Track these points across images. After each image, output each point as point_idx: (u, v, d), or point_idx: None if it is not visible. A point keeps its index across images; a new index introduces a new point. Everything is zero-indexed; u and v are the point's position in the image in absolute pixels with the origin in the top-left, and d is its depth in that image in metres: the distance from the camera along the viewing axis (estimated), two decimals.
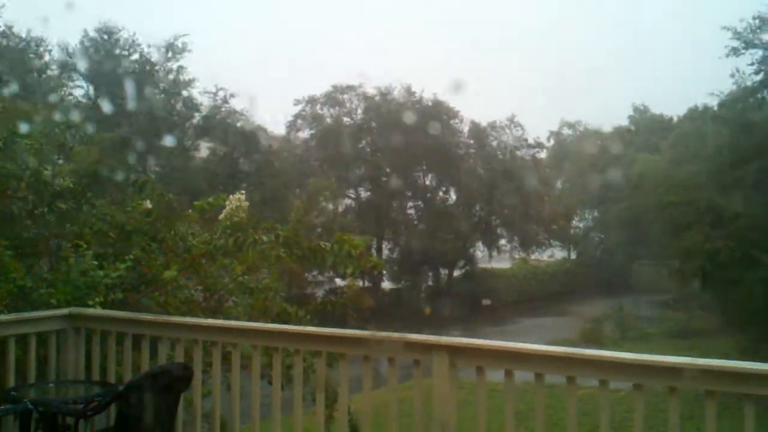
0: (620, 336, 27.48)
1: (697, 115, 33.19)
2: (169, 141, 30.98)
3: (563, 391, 4.01)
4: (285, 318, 6.84)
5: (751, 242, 19.32)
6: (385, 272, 39.08)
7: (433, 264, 40.63)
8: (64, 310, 5.60)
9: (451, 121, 40.08)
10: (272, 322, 6.75)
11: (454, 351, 4.32)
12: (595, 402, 3.98)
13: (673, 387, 3.74)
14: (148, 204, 6.86)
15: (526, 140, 43.35)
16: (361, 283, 33.33)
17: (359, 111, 40.08)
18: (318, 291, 20.74)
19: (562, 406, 4.02)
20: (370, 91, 39.94)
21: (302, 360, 4.86)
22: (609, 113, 56.71)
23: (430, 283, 41.75)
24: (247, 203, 6.86)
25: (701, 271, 21.23)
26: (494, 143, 42.56)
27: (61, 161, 7.20)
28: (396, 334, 4.58)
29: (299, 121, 40.01)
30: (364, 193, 40.93)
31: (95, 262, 6.33)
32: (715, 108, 25.64)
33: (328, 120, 39.91)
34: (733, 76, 22.38)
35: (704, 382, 3.69)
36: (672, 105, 53.56)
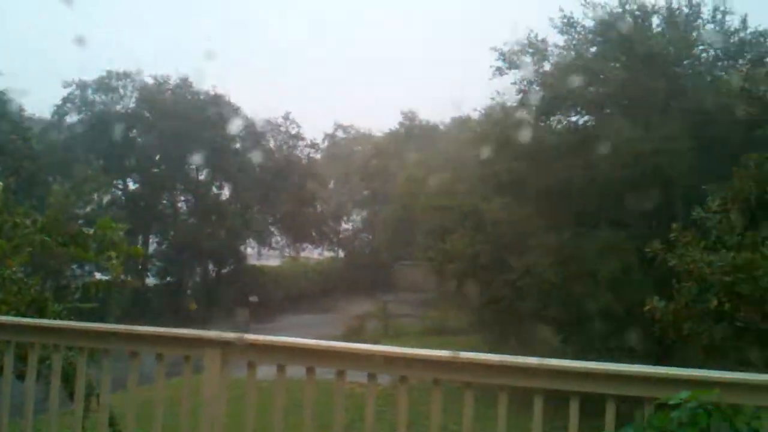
0: (382, 333, 28.53)
1: (462, 124, 35.10)
2: None
3: (332, 386, 4.11)
4: (40, 306, 6.38)
5: (505, 246, 20.85)
6: (149, 267, 37.85)
7: (202, 260, 39.87)
8: None
9: (228, 116, 39.52)
10: (26, 313, 6.29)
11: (227, 346, 4.27)
12: (361, 397, 4.10)
13: (437, 379, 3.96)
14: None
15: (302, 139, 43.83)
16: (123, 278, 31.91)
17: (133, 99, 38.41)
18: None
19: (329, 401, 4.11)
20: (147, 79, 38.51)
21: (61, 356, 4.58)
22: (380, 118, 58.61)
23: (197, 279, 40.92)
24: (1, 184, 6.35)
25: (461, 272, 22.53)
26: (270, 140, 42.60)
27: None
28: (164, 329, 4.47)
29: (68, 105, 37.59)
30: (132, 185, 39.27)
31: None
32: (479, 120, 27.13)
33: (100, 106, 37.88)
34: (497, 93, 23.87)
35: (465, 374, 3.95)
36: (441, 113, 56.32)
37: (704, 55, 21.80)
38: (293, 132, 43.48)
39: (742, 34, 21.12)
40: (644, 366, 3.87)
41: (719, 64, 21.59)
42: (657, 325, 13.16)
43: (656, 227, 15.91)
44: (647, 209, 18.08)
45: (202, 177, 40.98)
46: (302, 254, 47.45)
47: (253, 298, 37.47)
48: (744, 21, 21.08)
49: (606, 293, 18.49)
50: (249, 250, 43.46)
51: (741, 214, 12.90)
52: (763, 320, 11.51)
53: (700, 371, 3.67)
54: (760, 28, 20.61)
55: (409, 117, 52.15)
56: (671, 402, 3.14)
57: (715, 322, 12.11)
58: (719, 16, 21.25)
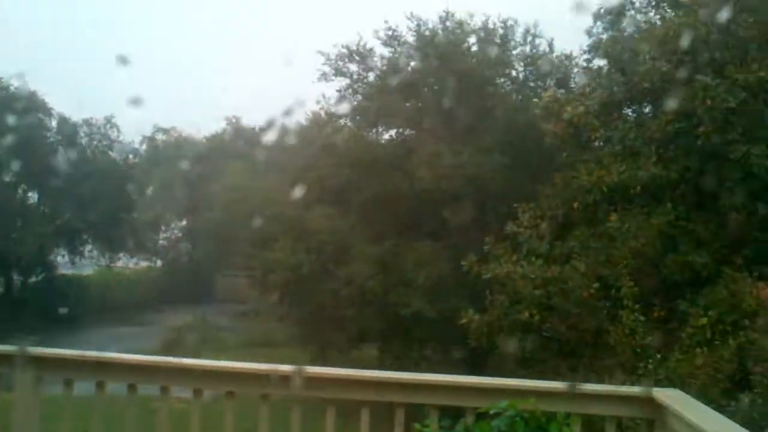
0: (201, 346, 27.82)
1: (289, 130, 34.78)
2: None
3: (157, 402, 3.99)
4: None
5: (328, 256, 20.99)
6: None
7: (5, 268, 37.23)
8: None
9: (41, 115, 37.17)
10: None
11: (40, 363, 4.05)
12: (185, 413, 4.02)
13: (265, 394, 3.94)
14: None
15: (120, 142, 42.03)
16: None
17: None
18: None
19: (152, 418, 4.00)
20: None
21: None
22: (203, 123, 56.81)
23: (0, 289, 38.19)
24: None
25: (284, 282, 22.41)
26: (84, 141, 40.51)
27: None
28: None
29: None
30: None
31: None
32: (304, 126, 26.92)
33: None
34: (321, 98, 23.80)
35: (293, 388, 3.96)
36: (265, 119, 55.38)
37: (516, 75, 23.02)
38: (113, 136, 41.59)
39: (549, 57, 22.57)
40: (465, 376, 4.06)
41: (530, 84, 22.88)
42: (471, 336, 13.78)
43: (472, 240, 16.62)
44: (464, 222, 18.84)
45: (7, 178, 38.20)
46: (118, 264, 45.46)
47: (63, 310, 35.44)
48: (551, 45, 22.59)
49: (423, 303, 19.09)
50: (59, 259, 41.08)
51: (550, 228, 13.77)
52: (568, 331, 12.34)
53: (516, 381, 3.89)
54: (566, 52, 22.11)
55: (232, 123, 51.19)
56: (491, 411, 3.30)
57: (524, 334, 12.84)
58: (530, 39, 22.62)
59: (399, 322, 19.88)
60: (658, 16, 15.69)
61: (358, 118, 23.68)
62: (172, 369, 4.14)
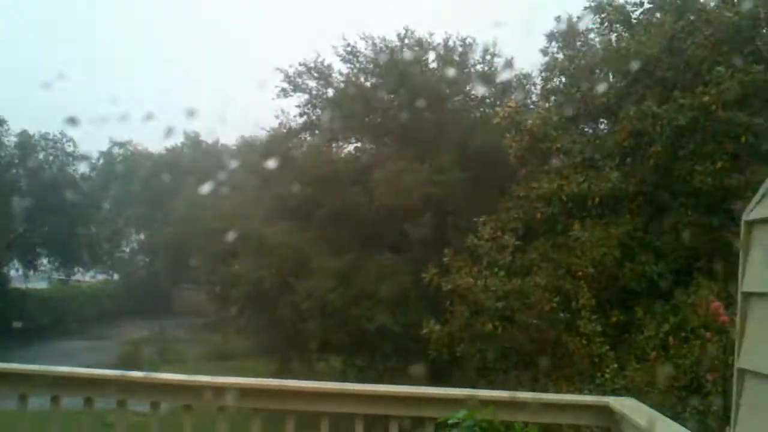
0: (159, 359, 27.45)
1: (249, 145, 34.56)
2: None
3: (114, 415, 3.95)
4: None
5: (289, 270, 20.88)
6: None
7: None
8: None
9: None
10: None
11: None
12: (144, 426, 3.98)
13: (222, 406, 3.92)
14: None
15: (77, 156, 41.47)
16: None
17: None
18: None
19: None
20: None
21: None
22: (160, 137, 56.11)
23: None
24: None
25: (245, 296, 22.24)
26: (41, 155, 39.88)
27: None
28: None
29: None
30: None
31: None
32: (264, 141, 26.74)
33: None
34: (281, 113, 23.69)
35: (251, 401, 3.94)
36: (225, 134, 55.03)
37: (474, 93, 23.18)
38: (69, 150, 40.98)
39: (507, 75, 22.80)
40: (425, 387, 4.07)
41: (488, 101, 23.04)
42: (432, 346, 13.80)
43: (433, 253, 16.67)
44: (424, 236, 18.92)
45: None
46: (74, 277, 44.78)
47: (17, 324, 34.81)
48: (510, 63, 22.85)
49: (385, 315, 19.10)
50: (12, 272, 40.34)
51: (511, 239, 13.87)
52: (528, 341, 12.44)
53: (475, 391, 3.92)
54: (524, 71, 22.38)
55: (191, 137, 50.72)
56: (450, 421, 3.33)
57: (484, 344, 12.90)
58: (489, 57, 22.84)
59: (362, 335, 19.85)
60: (614, 35, 15.96)
61: (317, 133, 23.65)
62: (128, 383, 4.10)
